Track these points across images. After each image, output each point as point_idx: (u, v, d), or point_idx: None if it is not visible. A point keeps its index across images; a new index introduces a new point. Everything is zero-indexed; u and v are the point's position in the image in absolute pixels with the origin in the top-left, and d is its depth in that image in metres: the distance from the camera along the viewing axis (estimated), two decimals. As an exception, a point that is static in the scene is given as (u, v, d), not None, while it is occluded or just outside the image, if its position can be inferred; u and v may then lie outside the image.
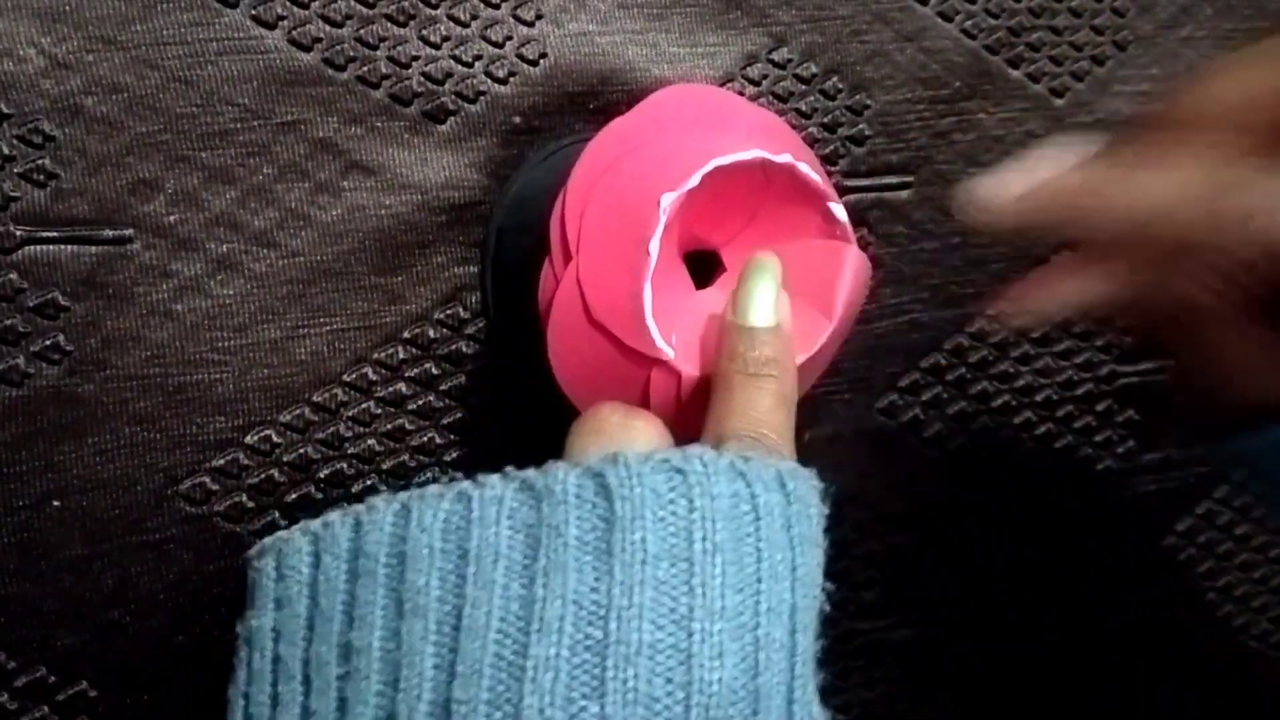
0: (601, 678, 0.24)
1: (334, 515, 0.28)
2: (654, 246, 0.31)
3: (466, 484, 0.27)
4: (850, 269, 0.34)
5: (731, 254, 0.36)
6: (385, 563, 0.26)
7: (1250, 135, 0.30)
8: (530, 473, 0.26)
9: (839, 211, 0.34)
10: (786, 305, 0.32)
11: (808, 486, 0.28)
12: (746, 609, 0.26)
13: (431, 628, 0.25)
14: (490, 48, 0.38)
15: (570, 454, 0.29)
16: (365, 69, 0.36)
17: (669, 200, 0.31)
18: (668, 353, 0.32)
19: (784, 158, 0.33)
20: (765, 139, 0.33)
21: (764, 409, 0.30)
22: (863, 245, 0.40)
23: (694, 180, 0.32)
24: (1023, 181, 0.32)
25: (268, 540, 0.29)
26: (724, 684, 0.25)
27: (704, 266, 0.36)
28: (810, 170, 0.33)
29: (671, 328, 0.32)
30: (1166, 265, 0.31)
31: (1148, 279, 0.31)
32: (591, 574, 0.25)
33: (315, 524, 0.28)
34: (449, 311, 0.38)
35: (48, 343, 0.34)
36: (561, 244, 0.33)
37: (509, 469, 0.27)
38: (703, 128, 0.35)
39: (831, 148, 0.42)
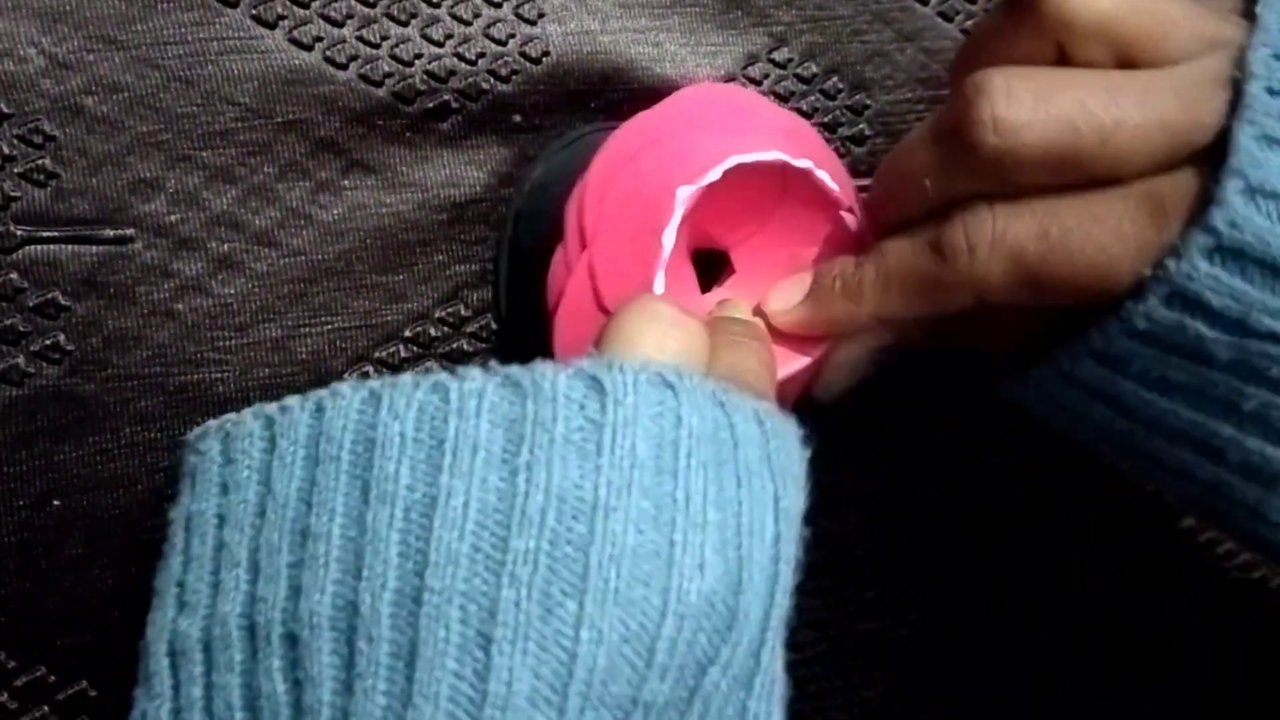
0: (583, 575, 0.23)
1: (292, 400, 0.26)
2: (668, 237, 0.31)
3: (443, 375, 0.26)
4: None
5: (742, 256, 0.36)
6: (350, 449, 0.25)
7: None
8: (514, 369, 0.26)
9: (852, 222, 0.34)
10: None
11: (785, 426, 0.28)
12: (729, 527, 0.25)
13: (399, 515, 0.24)
14: (493, 46, 0.37)
15: (616, 335, 0.28)
16: (367, 67, 0.36)
17: (686, 193, 0.31)
18: None
19: (803, 162, 0.33)
20: (788, 143, 0.33)
21: (750, 364, 0.30)
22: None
23: (713, 175, 0.31)
24: (794, 292, 0.34)
25: (211, 423, 0.27)
26: (703, 595, 0.24)
27: (709, 269, 0.36)
28: (828, 178, 0.33)
29: None
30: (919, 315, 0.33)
31: (905, 327, 0.35)
32: (577, 470, 0.24)
33: (270, 407, 0.27)
34: (450, 310, 0.38)
35: (48, 342, 0.34)
36: (577, 232, 0.33)
37: (492, 363, 0.26)
38: (727, 126, 0.35)
39: (832, 148, 0.41)
